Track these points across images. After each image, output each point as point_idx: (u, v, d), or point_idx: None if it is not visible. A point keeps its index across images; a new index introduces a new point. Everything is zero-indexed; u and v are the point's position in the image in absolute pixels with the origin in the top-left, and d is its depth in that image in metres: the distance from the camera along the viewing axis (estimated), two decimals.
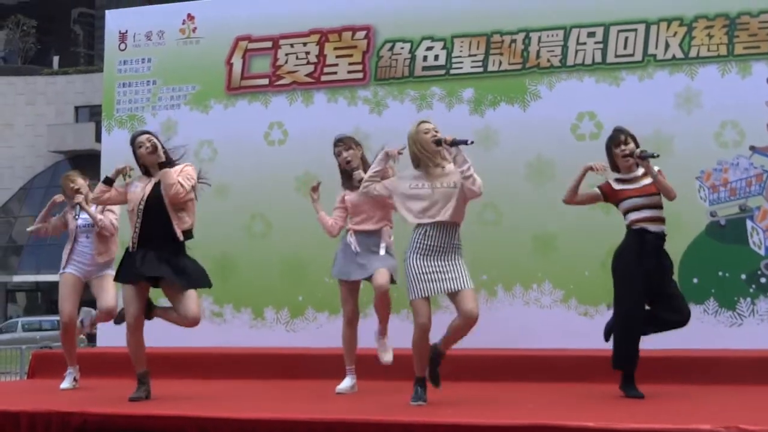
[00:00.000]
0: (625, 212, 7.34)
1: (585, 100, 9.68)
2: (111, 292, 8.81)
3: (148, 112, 11.10)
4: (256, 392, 7.86)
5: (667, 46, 9.50)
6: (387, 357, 7.88)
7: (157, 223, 7.41)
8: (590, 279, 9.42)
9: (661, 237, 7.28)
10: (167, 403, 7.22)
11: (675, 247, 8.90)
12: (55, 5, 46.97)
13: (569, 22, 9.80)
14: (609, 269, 9.29)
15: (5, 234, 44.48)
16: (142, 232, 7.42)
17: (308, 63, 10.60)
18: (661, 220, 7.29)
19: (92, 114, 42.89)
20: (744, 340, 8.84)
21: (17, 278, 43.37)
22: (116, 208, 8.70)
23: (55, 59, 47.83)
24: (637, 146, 7.40)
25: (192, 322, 7.46)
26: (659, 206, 7.28)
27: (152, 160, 7.53)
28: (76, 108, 45.43)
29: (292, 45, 10.66)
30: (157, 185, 7.47)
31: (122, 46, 11.32)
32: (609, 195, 7.43)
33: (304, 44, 10.62)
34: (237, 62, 10.84)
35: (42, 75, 46.38)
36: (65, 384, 8.82)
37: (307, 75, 10.60)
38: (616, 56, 9.65)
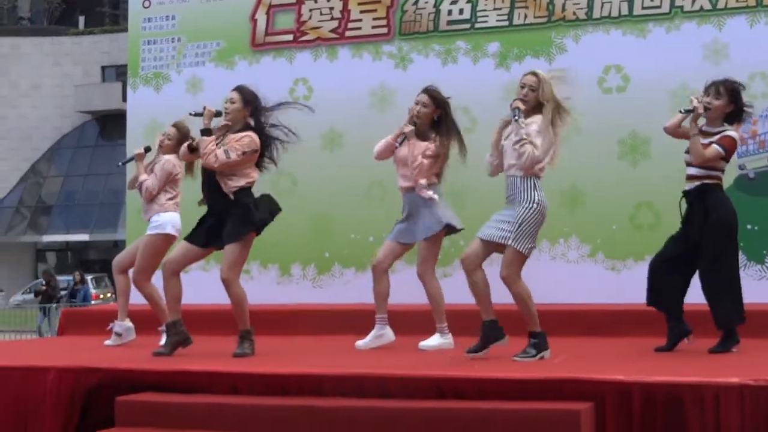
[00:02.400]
0: None
1: (611, 53, 9.58)
2: (138, 254, 8.42)
3: (173, 69, 11.08)
4: (284, 348, 7.89)
5: None
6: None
7: (213, 181, 7.57)
8: (618, 234, 9.38)
9: (691, 193, 7.15)
10: (196, 359, 7.26)
11: None
12: None
13: None
14: (636, 224, 9.32)
15: (35, 194, 44.76)
16: (203, 189, 7.67)
17: (332, 18, 10.54)
18: (697, 178, 7.13)
19: (119, 74, 42.91)
20: None
21: (47, 238, 43.69)
22: (161, 171, 8.42)
23: (81, 19, 47.82)
24: (734, 100, 7.21)
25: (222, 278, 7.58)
26: (701, 165, 7.10)
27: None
28: (103, 68, 45.51)
29: (316, 0, 10.59)
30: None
31: (146, 4, 11.28)
32: None
33: (328, 0, 10.56)
34: (261, 18, 10.79)
35: (68, 35, 46.39)
36: (108, 340, 8.68)
37: (331, 31, 10.54)
38: (643, 8, 9.53)
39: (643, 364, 6.54)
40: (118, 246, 39.34)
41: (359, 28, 10.44)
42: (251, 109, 7.68)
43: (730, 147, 7.15)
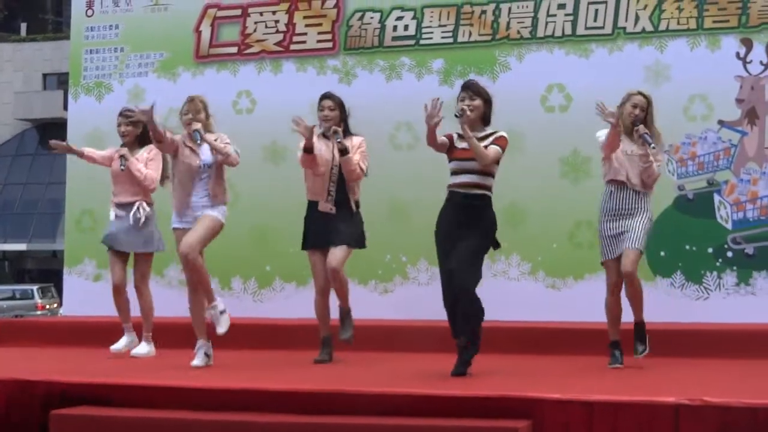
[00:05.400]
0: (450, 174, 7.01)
1: (554, 72, 9.67)
2: (198, 231, 7.54)
3: (115, 79, 10.99)
4: (223, 362, 7.82)
5: (637, 18, 9.50)
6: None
7: (344, 190, 7.86)
8: (558, 251, 9.44)
9: (468, 197, 6.87)
10: (134, 372, 7.18)
11: None
12: None
13: None
14: (576, 242, 9.37)
15: None
16: (336, 197, 7.85)
17: (277, 32, 10.52)
18: (478, 186, 6.87)
19: (60, 82, 42.48)
20: (710, 313, 8.89)
21: None
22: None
23: (23, 26, 47.29)
24: (487, 100, 6.99)
25: (329, 269, 7.79)
26: (480, 172, 6.85)
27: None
28: (44, 75, 45.03)
29: (261, 13, 10.58)
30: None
31: (89, 12, 11.19)
32: (449, 150, 7.00)
33: (274, 12, 10.54)
34: (206, 30, 10.74)
35: (9, 42, 45.85)
36: (196, 361, 7.58)
37: (276, 44, 10.52)
38: (586, 28, 9.64)
39: (581, 382, 6.58)
40: (56, 256, 38.90)
41: (304, 42, 10.43)
42: (344, 114, 7.97)
43: (505, 147, 6.97)
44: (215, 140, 7.68)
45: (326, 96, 8.03)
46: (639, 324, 7.44)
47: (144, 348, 8.49)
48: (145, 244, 8.49)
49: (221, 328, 7.65)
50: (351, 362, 7.77)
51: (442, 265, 6.97)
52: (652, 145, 7.26)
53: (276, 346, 8.80)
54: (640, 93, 7.45)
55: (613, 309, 7.45)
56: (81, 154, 8.60)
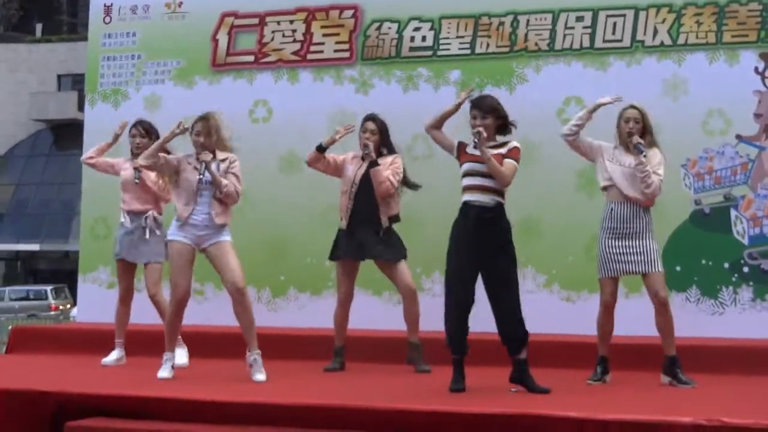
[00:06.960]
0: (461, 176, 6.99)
1: (572, 84, 9.64)
2: (234, 262, 7.64)
3: (132, 86, 11.00)
4: (237, 373, 7.81)
5: (655, 32, 9.47)
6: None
7: (367, 206, 8.04)
8: (573, 264, 9.41)
9: (484, 208, 6.83)
10: (149, 384, 7.17)
11: (658, 235, 8.90)
12: None
13: (557, 5, 9.75)
14: (591, 255, 9.31)
15: None
16: (353, 214, 8.07)
17: (294, 41, 10.51)
18: (490, 191, 6.84)
19: (75, 83, 42.63)
20: (726, 328, 8.86)
21: None
22: (239, 172, 7.68)
23: (38, 27, 47.43)
24: (496, 114, 6.97)
25: (407, 290, 8.06)
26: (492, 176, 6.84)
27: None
28: (59, 76, 45.16)
29: (278, 22, 10.58)
30: (368, 170, 8.05)
31: (107, 20, 11.20)
32: (459, 153, 7.02)
33: (291, 22, 10.54)
34: (223, 38, 10.74)
35: (25, 43, 46.00)
36: (163, 372, 7.60)
37: (293, 53, 10.51)
38: (605, 41, 9.61)
39: (597, 399, 6.56)
40: (69, 256, 38.97)
41: (321, 52, 10.43)
42: (386, 137, 8.21)
43: (519, 158, 6.95)
44: (224, 161, 7.64)
45: (370, 118, 8.23)
46: (671, 358, 7.29)
47: (182, 356, 8.55)
48: (157, 255, 8.52)
49: (261, 376, 7.52)
50: (365, 374, 7.76)
51: (456, 279, 6.89)
52: (644, 153, 7.24)
53: (290, 355, 8.77)
54: (631, 106, 7.47)
55: (605, 326, 7.48)
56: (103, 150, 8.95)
